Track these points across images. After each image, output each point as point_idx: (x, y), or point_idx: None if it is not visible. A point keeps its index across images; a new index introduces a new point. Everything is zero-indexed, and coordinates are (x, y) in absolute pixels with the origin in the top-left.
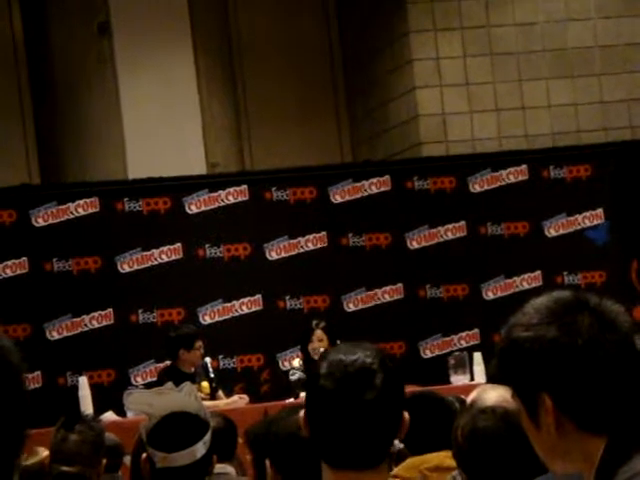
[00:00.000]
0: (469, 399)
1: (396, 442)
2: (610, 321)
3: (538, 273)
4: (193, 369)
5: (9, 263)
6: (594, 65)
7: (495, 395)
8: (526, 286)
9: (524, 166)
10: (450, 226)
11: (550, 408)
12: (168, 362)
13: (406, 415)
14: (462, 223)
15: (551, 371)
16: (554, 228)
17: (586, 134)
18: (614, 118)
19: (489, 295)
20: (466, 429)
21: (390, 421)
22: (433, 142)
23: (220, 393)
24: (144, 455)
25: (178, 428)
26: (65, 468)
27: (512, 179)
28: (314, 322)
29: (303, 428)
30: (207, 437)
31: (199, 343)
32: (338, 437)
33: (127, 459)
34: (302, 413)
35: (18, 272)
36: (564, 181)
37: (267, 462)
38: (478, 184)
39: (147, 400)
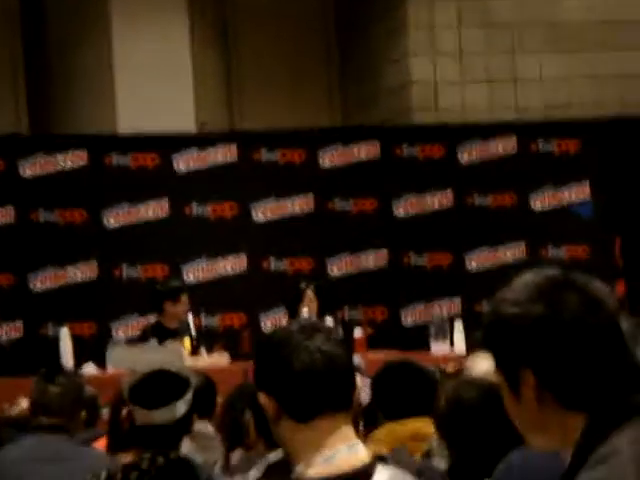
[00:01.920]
0: (465, 365)
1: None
2: (597, 301)
3: (522, 245)
4: (177, 325)
5: None
6: (588, 40)
7: (485, 366)
8: (510, 257)
9: (513, 138)
10: (437, 194)
11: (532, 384)
12: (152, 318)
13: (358, 379)
14: (449, 192)
15: (535, 347)
16: (540, 201)
17: (577, 108)
18: (606, 93)
19: (472, 265)
20: (449, 397)
21: (351, 366)
22: (424, 110)
23: (201, 350)
24: (125, 411)
25: (160, 386)
26: (45, 419)
27: (501, 150)
28: (303, 283)
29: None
30: (188, 396)
31: (184, 297)
32: (309, 384)
33: (105, 412)
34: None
35: (3, 221)
36: (552, 154)
37: (250, 422)
38: (467, 153)
39: (130, 356)
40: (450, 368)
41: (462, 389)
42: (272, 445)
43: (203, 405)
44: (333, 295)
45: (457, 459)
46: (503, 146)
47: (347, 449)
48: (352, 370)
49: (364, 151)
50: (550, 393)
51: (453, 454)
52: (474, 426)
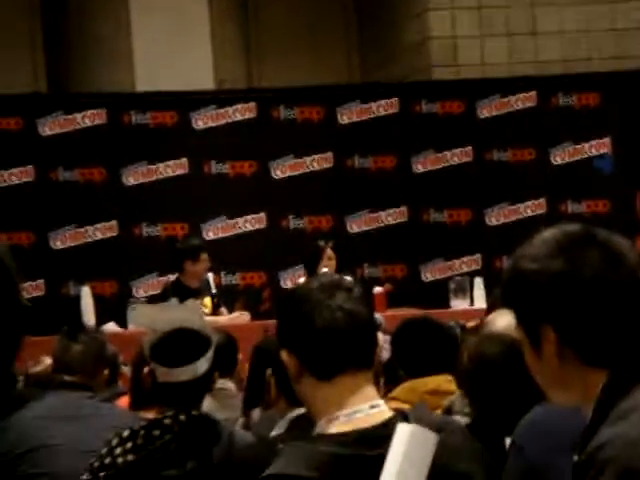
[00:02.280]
0: (485, 321)
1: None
2: (618, 256)
3: (542, 200)
4: (198, 284)
5: (15, 171)
6: None
7: (506, 321)
8: (530, 213)
9: (533, 92)
10: (456, 151)
11: (553, 340)
12: (171, 276)
13: (380, 336)
14: (468, 148)
15: (556, 303)
16: (560, 156)
17: (597, 62)
18: (626, 46)
19: (492, 221)
20: (472, 353)
21: (373, 323)
22: (443, 65)
23: (222, 309)
24: (146, 369)
25: (181, 344)
26: (67, 377)
27: (520, 105)
28: (322, 241)
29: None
30: (209, 354)
31: (204, 255)
32: (330, 342)
33: (125, 370)
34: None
35: (24, 180)
36: (572, 109)
37: (271, 381)
38: (486, 109)
39: (152, 315)
40: (470, 324)
41: (485, 345)
42: (293, 403)
43: (224, 363)
44: (352, 252)
45: (479, 415)
46: (523, 101)
47: (368, 407)
48: (374, 328)
49: (383, 108)
50: (571, 349)
51: (475, 410)
52: (497, 381)
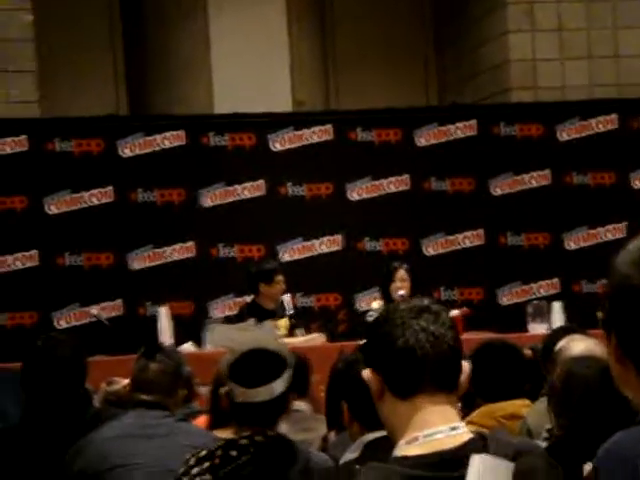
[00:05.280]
0: (557, 348)
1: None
2: None
3: (622, 224)
4: (274, 305)
5: (95, 192)
6: None
7: (583, 346)
8: (610, 237)
9: (614, 115)
10: (535, 174)
11: (614, 344)
12: (247, 297)
13: (466, 364)
14: (547, 171)
15: (618, 311)
16: None
17: None
18: None
19: (571, 245)
20: (563, 376)
21: (458, 349)
22: (522, 88)
23: (298, 331)
24: (224, 389)
25: (259, 364)
26: (144, 397)
27: (601, 128)
28: (396, 263)
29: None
30: (286, 374)
31: (279, 277)
32: (410, 361)
33: (202, 390)
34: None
35: (104, 200)
36: None
37: (343, 404)
38: (566, 132)
39: (229, 335)
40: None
41: (575, 366)
42: (367, 427)
43: (297, 384)
44: (427, 275)
45: (565, 436)
46: (603, 124)
47: (449, 428)
48: (459, 353)
49: (461, 130)
50: (629, 358)
51: (562, 430)
52: (586, 401)
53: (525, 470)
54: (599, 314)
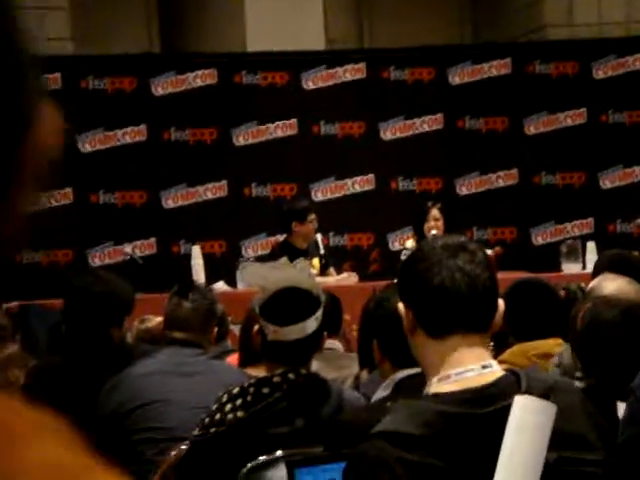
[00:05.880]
0: (588, 287)
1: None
2: None
3: None
4: (306, 245)
5: (128, 130)
6: None
7: (615, 285)
8: None
9: None
10: (570, 112)
11: None
12: (280, 236)
13: (501, 302)
14: (583, 110)
15: None
16: None
17: None
18: None
19: (606, 184)
20: (587, 317)
21: (494, 289)
22: (558, 25)
23: (330, 270)
24: (256, 327)
25: (291, 303)
26: (178, 334)
27: (638, 66)
28: (430, 202)
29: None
30: (319, 313)
31: (312, 216)
32: (444, 301)
33: (234, 328)
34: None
35: (137, 139)
36: None
37: (374, 343)
38: (602, 70)
39: (262, 273)
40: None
41: (599, 308)
42: (398, 365)
43: (329, 323)
44: (461, 215)
45: (592, 378)
46: None
47: (480, 367)
48: (494, 293)
49: (495, 69)
50: None
51: (588, 374)
52: (612, 345)
53: (563, 407)
54: (603, 255)
